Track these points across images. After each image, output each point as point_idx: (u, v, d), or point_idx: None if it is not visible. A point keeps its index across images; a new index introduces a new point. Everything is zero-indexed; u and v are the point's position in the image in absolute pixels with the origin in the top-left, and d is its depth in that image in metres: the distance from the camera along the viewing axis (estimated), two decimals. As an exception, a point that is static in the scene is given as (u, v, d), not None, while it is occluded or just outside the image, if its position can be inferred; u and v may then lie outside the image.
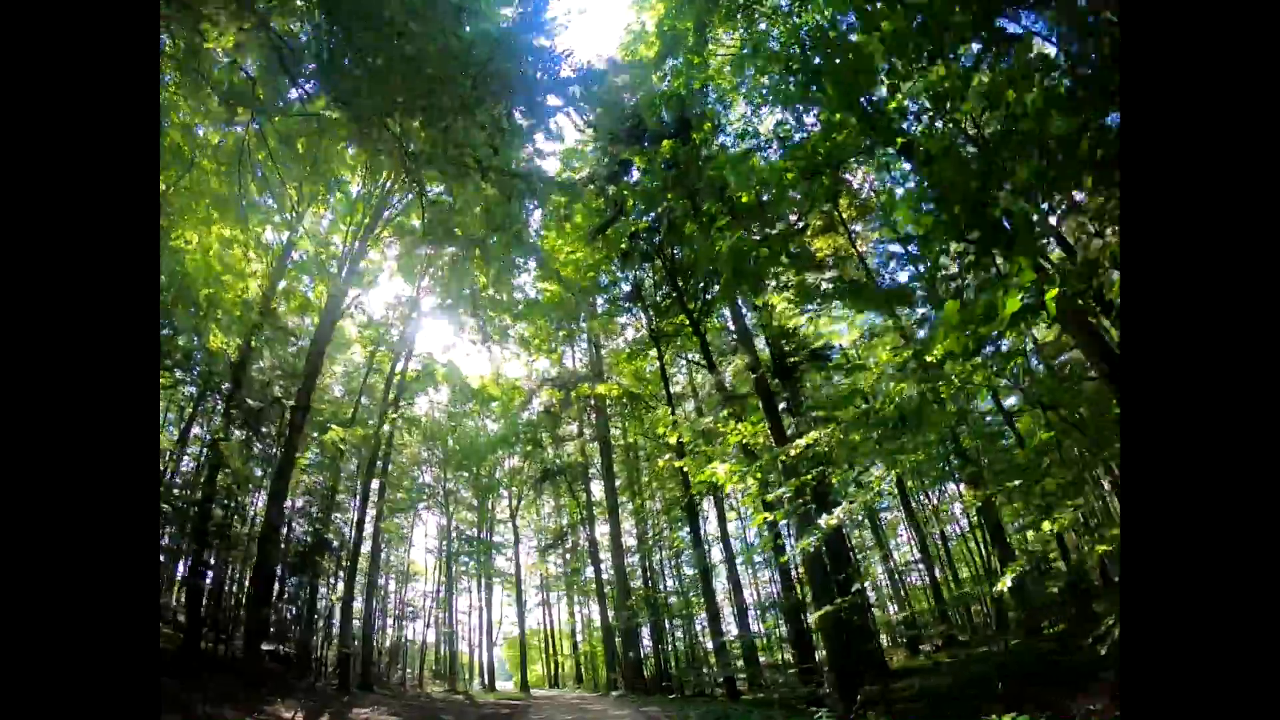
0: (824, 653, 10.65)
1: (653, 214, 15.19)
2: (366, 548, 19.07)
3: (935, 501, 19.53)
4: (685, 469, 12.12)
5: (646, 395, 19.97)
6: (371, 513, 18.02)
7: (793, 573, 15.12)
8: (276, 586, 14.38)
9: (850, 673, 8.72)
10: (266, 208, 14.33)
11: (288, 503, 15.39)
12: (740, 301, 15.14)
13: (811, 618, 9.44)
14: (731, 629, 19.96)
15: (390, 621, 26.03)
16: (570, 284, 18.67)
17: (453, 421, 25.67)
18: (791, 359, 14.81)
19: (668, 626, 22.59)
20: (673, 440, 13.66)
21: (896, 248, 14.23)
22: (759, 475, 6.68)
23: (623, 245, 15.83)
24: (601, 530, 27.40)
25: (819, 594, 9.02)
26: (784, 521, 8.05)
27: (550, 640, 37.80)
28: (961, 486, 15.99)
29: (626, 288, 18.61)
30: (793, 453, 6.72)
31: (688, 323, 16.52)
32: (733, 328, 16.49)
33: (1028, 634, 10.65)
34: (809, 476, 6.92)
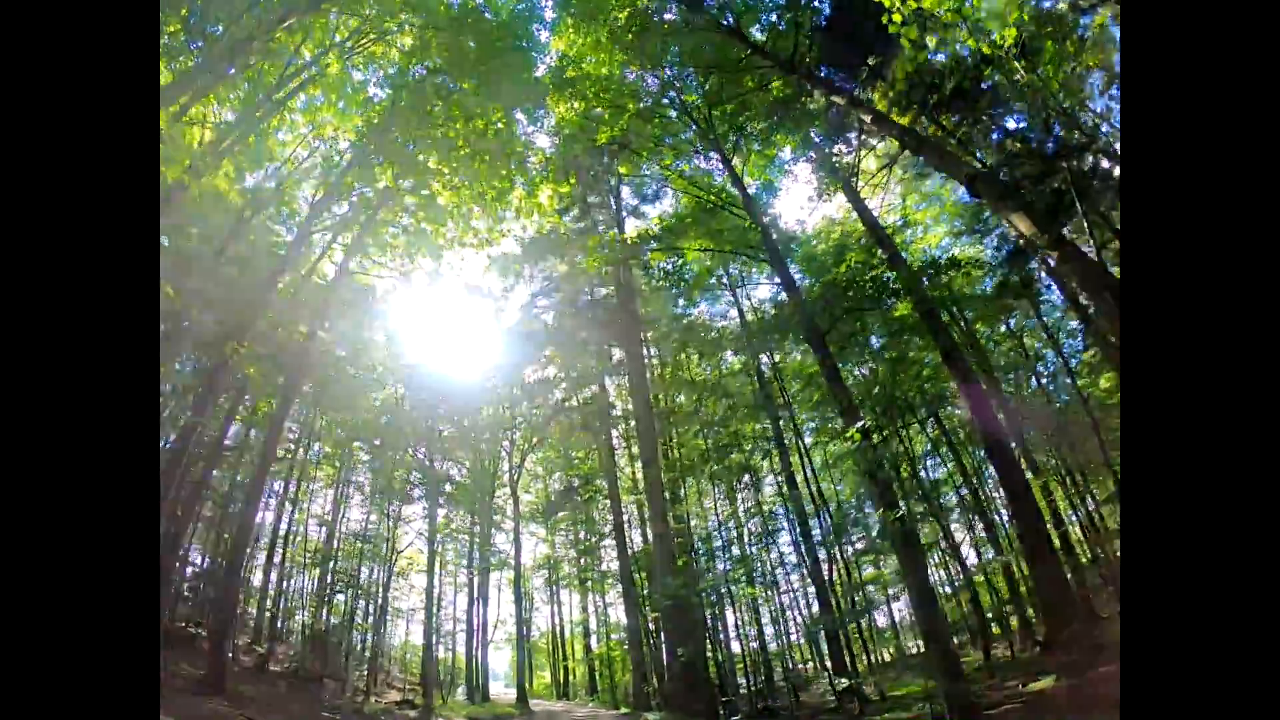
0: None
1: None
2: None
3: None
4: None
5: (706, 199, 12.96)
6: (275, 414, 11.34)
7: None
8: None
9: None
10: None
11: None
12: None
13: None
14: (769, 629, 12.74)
15: (353, 604, 19.49)
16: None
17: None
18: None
19: (726, 615, 15.42)
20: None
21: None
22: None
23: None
24: (625, 517, 20.58)
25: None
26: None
27: (559, 642, 31.03)
28: None
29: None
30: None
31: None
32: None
33: None
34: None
